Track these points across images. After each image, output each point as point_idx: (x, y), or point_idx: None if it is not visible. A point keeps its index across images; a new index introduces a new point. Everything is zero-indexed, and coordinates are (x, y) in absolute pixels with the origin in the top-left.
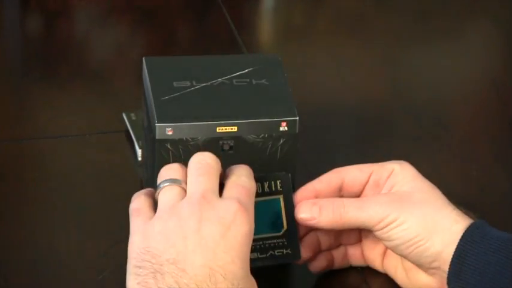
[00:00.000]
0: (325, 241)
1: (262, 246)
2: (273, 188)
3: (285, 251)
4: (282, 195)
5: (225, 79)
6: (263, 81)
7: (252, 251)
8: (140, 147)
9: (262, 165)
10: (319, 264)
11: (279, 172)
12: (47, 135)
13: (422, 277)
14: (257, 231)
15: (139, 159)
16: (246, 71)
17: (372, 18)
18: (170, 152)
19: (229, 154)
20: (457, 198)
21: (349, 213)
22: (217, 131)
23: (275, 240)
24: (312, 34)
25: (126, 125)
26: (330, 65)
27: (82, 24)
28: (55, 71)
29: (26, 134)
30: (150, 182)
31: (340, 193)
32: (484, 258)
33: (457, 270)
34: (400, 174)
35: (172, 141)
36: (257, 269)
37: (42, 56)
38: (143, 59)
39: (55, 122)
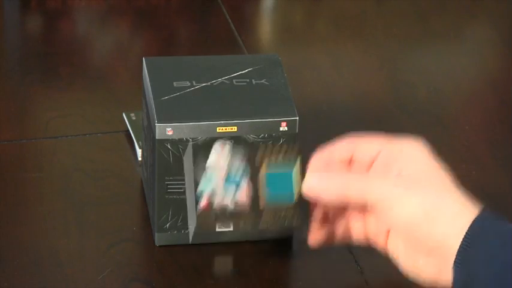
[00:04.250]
0: (332, 211)
1: (273, 216)
2: (287, 162)
3: (294, 223)
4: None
5: (225, 79)
6: (263, 81)
7: (263, 221)
8: (140, 147)
9: None
10: (318, 238)
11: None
12: (47, 135)
13: (421, 261)
14: (269, 201)
15: (139, 159)
16: (246, 71)
17: (372, 19)
18: (170, 152)
19: None
20: None
21: (353, 191)
22: (217, 131)
23: (285, 212)
24: (312, 34)
25: (126, 125)
26: (329, 65)
27: (82, 24)
28: (55, 71)
29: (26, 134)
30: (150, 182)
31: (350, 164)
32: (491, 251)
33: (463, 260)
34: (408, 156)
35: (172, 141)
36: (256, 266)
37: (42, 56)
38: (143, 59)
39: (55, 122)
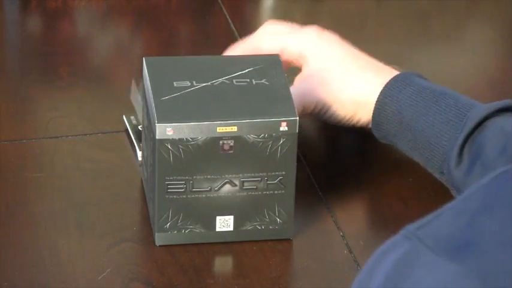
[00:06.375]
0: None
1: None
2: None
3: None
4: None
5: (225, 79)
6: (263, 81)
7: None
8: (140, 148)
9: (262, 165)
10: None
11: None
12: (47, 135)
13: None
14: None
15: (139, 159)
16: (246, 71)
17: (372, 19)
18: (170, 152)
19: (229, 154)
20: None
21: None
22: (217, 131)
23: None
24: None
25: (126, 126)
26: None
27: (82, 24)
28: (55, 71)
29: (26, 134)
30: (150, 182)
31: None
32: (399, 107)
33: (377, 122)
34: (308, 55)
35: (173, 141)
36: (256, 265)
37: (42, 56)
38: (143, 59)
39: (55, 122)
